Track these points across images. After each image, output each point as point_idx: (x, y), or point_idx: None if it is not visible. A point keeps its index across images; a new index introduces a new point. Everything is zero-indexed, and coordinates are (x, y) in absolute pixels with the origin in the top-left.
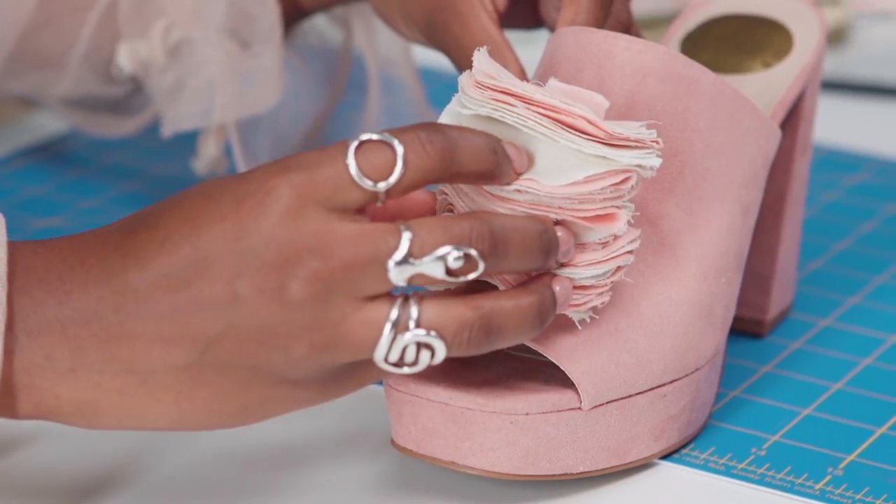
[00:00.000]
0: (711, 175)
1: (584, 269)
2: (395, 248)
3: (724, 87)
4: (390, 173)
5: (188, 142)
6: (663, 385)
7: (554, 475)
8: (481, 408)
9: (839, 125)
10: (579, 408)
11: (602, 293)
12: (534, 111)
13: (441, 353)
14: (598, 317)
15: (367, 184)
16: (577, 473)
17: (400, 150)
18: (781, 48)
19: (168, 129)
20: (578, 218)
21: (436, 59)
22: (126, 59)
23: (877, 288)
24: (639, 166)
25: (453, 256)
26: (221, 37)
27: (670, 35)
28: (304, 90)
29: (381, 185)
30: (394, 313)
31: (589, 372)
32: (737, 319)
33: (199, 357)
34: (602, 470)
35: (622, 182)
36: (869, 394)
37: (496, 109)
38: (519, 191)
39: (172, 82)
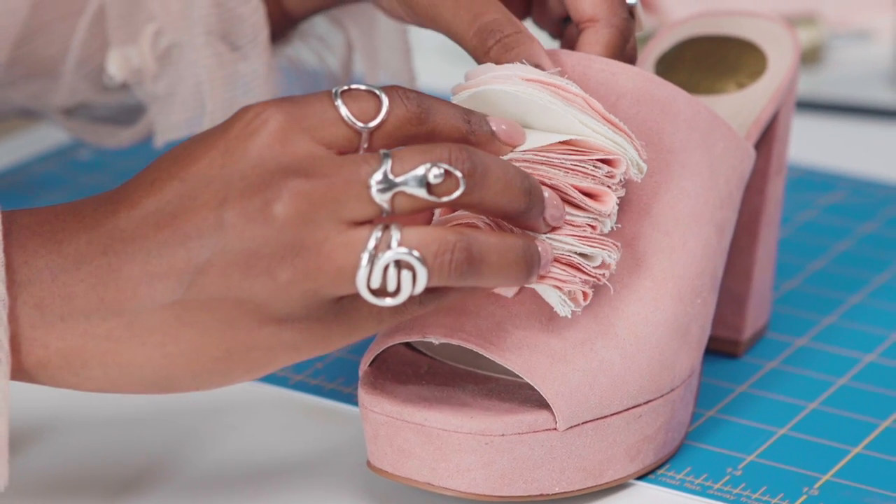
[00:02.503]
0: (687, 196)
1: (565, 237)
2: (377, 167)
3: (699, 108)
4: (374, 117)
5: None
6: (639, 405)
7: (530, 496)
8: (457, 429)
9: (814, 145)
10: (555, 428)
11: (586, 282)
12: (534, 85)
13: (422, 276)
14: (579, 310)
15: (354, 122)
16: (552, 494)
17: (384, 97)
18: (755, 69)
19: (160, 139)
20: (570, 185)
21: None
22: (116, 66)
23: (852, 307)
24: (627, 154)
25: (434, 173)
26: (210, 38)
27: (645, 56)
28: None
29: (367, 126)
30: (375, 234)
31: (564, 393)
32: (712, 339)
33: (184, 292)
34: (578, 490)
35: (614, 164)
36: (844, 413)
37: (497, 80)
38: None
39: (164, 89)
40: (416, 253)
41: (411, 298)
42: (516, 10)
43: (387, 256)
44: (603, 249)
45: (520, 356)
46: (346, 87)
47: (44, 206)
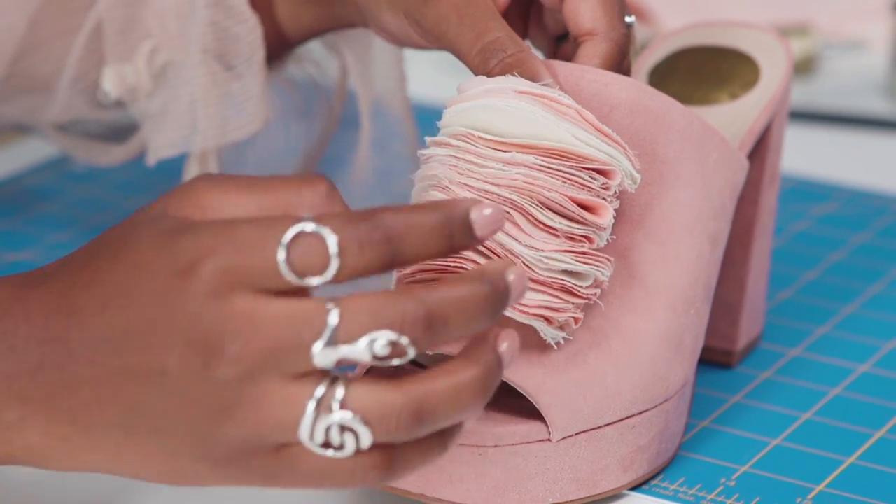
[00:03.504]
0: (680, 206)
1: (560, 254)
2: (321, 332)
3: (692, 119)
4: (323, 269)
5: (155, 175)
6: (632, 416)
7: None
8: None
9: (808, 155)
10: (548, 439)
11: (578, 307)
12: (526, 98)
13: (366, 439)
14: (571, 338)
15: (292, 278)
16: None
17: (334, 248)
18: (748, 79)
19: (152, 158)
20: (567, 196)
21: (428, 86)
22: (111, 83)
23: (846, 317)
24: (621, 166)
25: (380, 343)
26: (206, 57)
27: (638, 67)
28: (294, 121)
29: (313, 281)
30: (318, 391)
31: (557, 403)
32: (706, 350)
33: (131, 420)
34: (571, 501)
35: (609, 175)
36: (838, 423)
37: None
38: (511, 163)
39: (158, 108)
40: (358, 417)
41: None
42: (515, 28)
43: (331, 419)
44: (597, 266)
45: (513, 367)
46: (295, 232)
47: None
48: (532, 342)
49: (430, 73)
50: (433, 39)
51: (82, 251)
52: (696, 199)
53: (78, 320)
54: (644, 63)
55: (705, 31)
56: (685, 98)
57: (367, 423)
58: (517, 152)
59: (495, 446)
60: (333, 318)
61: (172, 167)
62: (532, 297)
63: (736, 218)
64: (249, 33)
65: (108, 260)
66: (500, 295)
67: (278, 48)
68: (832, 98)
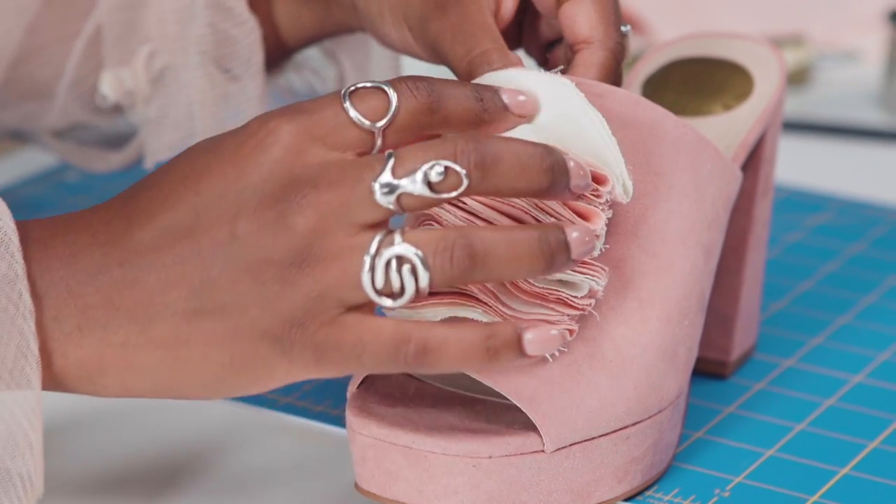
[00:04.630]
0: (674, 217)
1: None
2: (380, 171)
3: (686, 130)
4: (385, 114)
5: None
6: (626, 427)
7: None
8: (444, 451)
9: (802, 166)
10: (542, 450)
11: (573, 318)
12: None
13: (423, 275)
14: (566, 350)
15: (365, 123)
16: None
17: (392, 93)
18: (742, 90)
19: (150, 161)
20: (561, 202)
21: None
22: (109, 87)
23: (840, 328)
24: (616, 171)
25: (435, 171)
26: (203, 59)
27: (632, 78)
28: None
29: (378, 124)
30: (378, 236)
31: (551, 415)
32: (700, 360)
33: (195, 301)
34: None
35: (601, 181)
36: (832, 434)
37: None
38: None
39: (156, 112)
40: (416, 250)
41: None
42: (508, 38)
43: (387, 253)
44: (592, 276)
45: (507, 378)
46: (353, 87)
47: (54, 217)
48: None
49: None
50: (433, 55)
51: (139, 181)
52: (689, 210)
53: (141, 218)
54: (638, 74)
55: (699, 42)
56: (679, 109)
57: (423, 257)
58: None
59: (489, 457)
60: (391, 158)
61: None
62: (527, 310)
63: (730, 229)
64: (248, 35)
65: (168, 168)
66: (556, 157)
67: (277, 53)
68: (826, 109)
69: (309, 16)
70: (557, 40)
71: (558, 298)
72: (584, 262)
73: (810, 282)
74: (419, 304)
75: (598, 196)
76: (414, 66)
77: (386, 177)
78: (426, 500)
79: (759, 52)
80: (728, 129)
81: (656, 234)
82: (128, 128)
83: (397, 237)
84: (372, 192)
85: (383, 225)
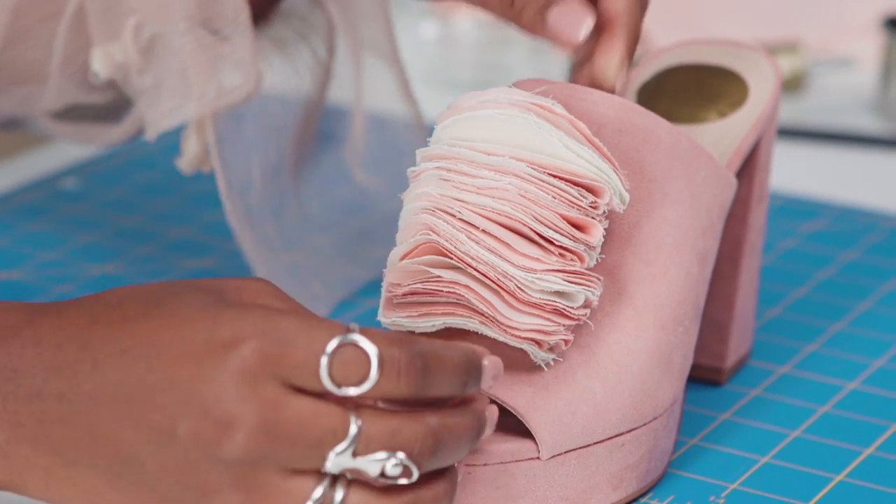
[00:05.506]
0: (668, 224)
1: (552, 275)
2: (341, 440)
3: (680, 137)
4: (360, 383)
5: (146, 194)
6: (621, 434)
7: None
8: None
9: (796, 172)
10: (537, 458)
11: (568, 328)
12: (520, 107)
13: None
14: (561, 359)
15: (329, 385)
16: None
17: (375, 372)
18: (737, 98)
19: (151, 132)
20: (557, 213)
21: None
22: (100, 63)
23: (835, 335)
24: (611, 183)
25: (392, 464)
26: (190, 24)
27: (627, 85)
28: (290, 76)
29: (348, 391)
30: (318, 492)
31: (547, 422)
32: (695, 367)
33: (119, 468)
34: None
35: (597, 193)
36: (827, 441)
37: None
38: (503, 171)
39: (151, 82)
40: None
41: None
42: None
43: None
44: (588, 287)
45: (502, 385)
46: (340, 342)
47: (7, 309)
48: (521, 361)
49: (421, 90)
50: None
51: (111, 293)
52: (684, 217)
53: (92, 355)
54: (633, 81)
55: (694, 50)
56: (673, 116)
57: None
58: (509, 158)
59: (484, 465)
60: (354, 429)
61: (163, 186)
62: (524, 321)
63: (724, 236)
64: None
65: (142, 307)
66: (482, 427)
67: (262, 5)
68: (821, 115)
69: None
70: None
71: (554, 309)
72: (579, 273)
73: (805, 288)
74: (416, 314)
75: (595, 208)
76: (409, 71)
77: (343, 449)
78: None
79: (754, 59)
80: (723, 136)
81: (651, 242)
82: (125, 99)
83: (336, 499)
84: (324, 459)
85: (317, 472)
